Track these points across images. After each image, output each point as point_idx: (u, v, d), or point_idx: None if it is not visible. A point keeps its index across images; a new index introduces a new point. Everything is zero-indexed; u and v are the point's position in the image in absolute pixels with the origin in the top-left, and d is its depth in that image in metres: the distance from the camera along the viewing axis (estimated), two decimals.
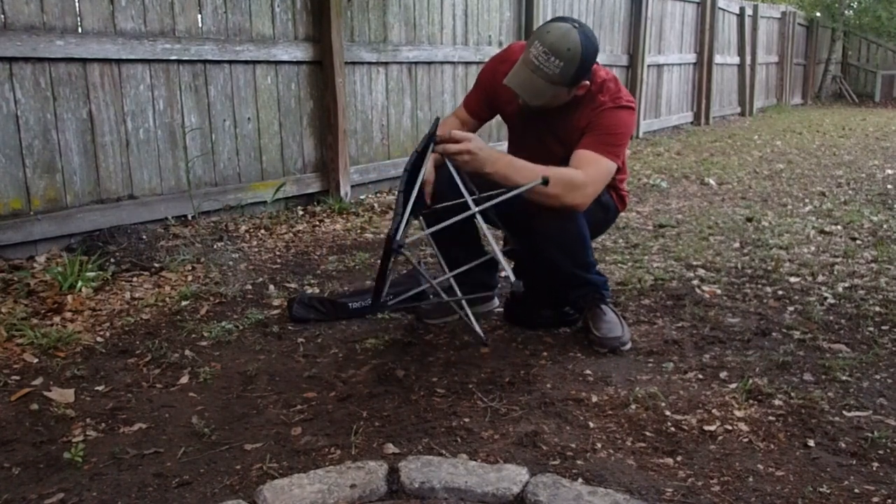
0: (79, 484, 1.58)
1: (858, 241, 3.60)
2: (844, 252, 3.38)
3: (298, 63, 4.25)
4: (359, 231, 3.90)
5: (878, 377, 2.07)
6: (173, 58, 3.59)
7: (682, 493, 1.52)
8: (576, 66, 2.07)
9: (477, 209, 2.05)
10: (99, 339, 2.39)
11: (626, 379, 2.07)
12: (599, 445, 1.71)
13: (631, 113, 2.23)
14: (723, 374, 2.10)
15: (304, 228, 3.93)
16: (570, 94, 2.18)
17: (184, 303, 2.72)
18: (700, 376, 2.09)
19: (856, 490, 1.53)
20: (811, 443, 1.72)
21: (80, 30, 3.23)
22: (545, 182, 2.07)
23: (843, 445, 1.71)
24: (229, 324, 2.50)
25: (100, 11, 3.29)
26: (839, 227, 3.93)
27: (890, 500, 1.50)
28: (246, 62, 3.96)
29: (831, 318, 2.54)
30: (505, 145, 2.55)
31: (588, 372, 2.12)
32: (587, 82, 2.18)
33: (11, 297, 2.66)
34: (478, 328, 2.20)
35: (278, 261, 3.32)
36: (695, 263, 3.22)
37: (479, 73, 2.47)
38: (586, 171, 2.14)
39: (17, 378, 2.10)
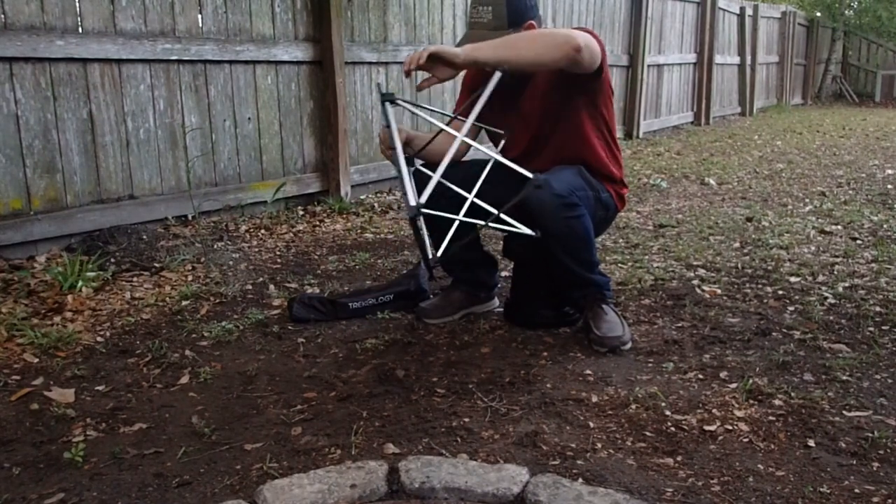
0: (79, 484, 1.58)
1: (859, 241, 3.60)
2: (845, 252, 3.38)
3: (299, 63, 4.25)
4: (359, 231, 3.90)
5: (878, 377, 2.07)
6: (173, 58, 3.59)
7: (682, 493, 1.52)
8: (505, 6, 2.16)
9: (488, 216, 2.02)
10: (99, 338, 2.39)
11: (626, 379, 2.07)
12: (599, 445, 1.71)
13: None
14: (723, 374, 2.10)
15: (304, 228, 3.93)
16: None
17: (184, 303, 2.72)
18: (700, 376, 2.09)
19: (856, 490, 1.53)
20: (811, 443, 1.72)
21: (80, 30, 3.23)
22: (538, 186, 1.98)
23: (844, 445, 1.71)
24: (229, 324, 2.51)
25: (100, 11, 3.30)
26: (839, 226, 3.93)
27: (890, 500, 1.49)
28: (246, 62, 3.96)
29: (831, 317, 2.54)
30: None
31: (588, 372, 2.12)
32: (533, 21, 2.22)
33: (12, 297, 2.66)
34: (525, 229, 2.03)
35: (278, 261, 3.32)
36: (695, 263, 3.21)
37: (463, 79, 2.53)
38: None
39: (18, 378, 2.10)
